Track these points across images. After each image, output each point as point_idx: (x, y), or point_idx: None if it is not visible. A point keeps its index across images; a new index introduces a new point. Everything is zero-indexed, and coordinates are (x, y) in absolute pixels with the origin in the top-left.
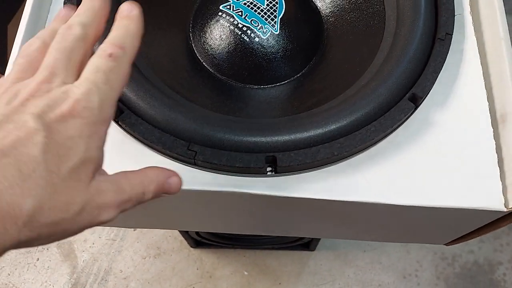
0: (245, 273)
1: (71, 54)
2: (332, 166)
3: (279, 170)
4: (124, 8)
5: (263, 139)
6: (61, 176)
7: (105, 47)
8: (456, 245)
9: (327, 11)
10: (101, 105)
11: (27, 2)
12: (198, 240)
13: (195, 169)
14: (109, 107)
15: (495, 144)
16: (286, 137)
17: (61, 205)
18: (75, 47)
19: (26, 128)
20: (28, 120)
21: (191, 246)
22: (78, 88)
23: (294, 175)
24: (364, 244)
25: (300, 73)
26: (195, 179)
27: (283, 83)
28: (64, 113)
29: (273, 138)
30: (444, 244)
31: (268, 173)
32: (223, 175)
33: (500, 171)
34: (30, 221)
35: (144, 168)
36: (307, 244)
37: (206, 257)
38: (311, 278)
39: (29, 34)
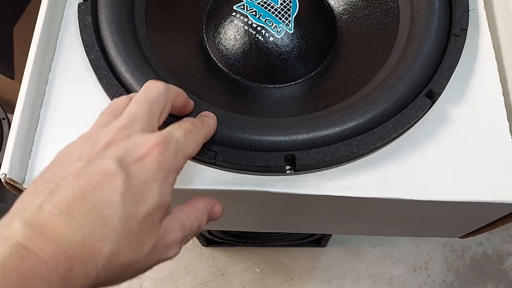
0: (257, 270)
1: (152, 105)
2: (350, 163)
3: (298, 168)
4: (205, 112)
5: (281, 138)
6: (137, 219)
7: (189, 119)
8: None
9: (340, 8)
10: (176, 153)
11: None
12: (210, 239)
13: (215, 169)
14: (182, 159)
15: None
16: (304, 136)
17: (136, 247)
18: (156, 99)
19: (106, 173)
20: (109, 165)
21: (203, 245)
22: (157, 136)
23: (313, 173)
24: (374, 238)
25: (315, 72)
26: (215, 179)
27: (298, 82)
28: (142, 155)
29: (291, 137)
30: (460, 237)
31: (287, 171)
32: (243, 175)
33: None
34: (108, 263)
35: (193, 200)
36: (318, 240)
37: (218, 255)
38: (323, 273)
39: (44, 39)
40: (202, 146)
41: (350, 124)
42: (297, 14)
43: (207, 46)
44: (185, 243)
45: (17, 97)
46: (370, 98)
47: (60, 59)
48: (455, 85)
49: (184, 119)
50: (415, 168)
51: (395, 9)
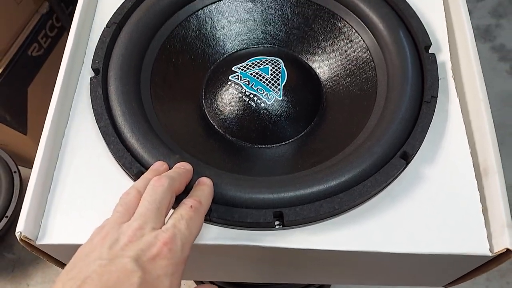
0: None
1: (159, 204)
2: (333, 219)
3: (286, 224)
4: (202, 178)
5: (270, 196)
6: None
7: (188, 201)
8: (464, 284)
9: (325, 77)
10: (182, 247)
11: (58, 77)
12: None
13: (210, 224)
14: (188, 248)
15: (479, 194)
16: (291, 194)
17: None
18: (163, 197)
19: (125, 270)
20: (127, 263)
21: None
22: (165, 233)
23: (299, 228)
24: None
25: (302, 133)
26: (210, 234)
27: (287, 142)
28: (154, 255)
29: (279, 194)
30: (443, 287)
31: (276, 227)
32: (235, 230)
33: (484, 219)
34: None
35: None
36: None
37: None
38: None
39: (59, 107)
40: None
41: (333, 183)
42: (285, 82)
43: (206, 111)
44: None
45: (32, 155)
46: (350, 158)
47: (73, 126)
48: (427, 146)
49: (183, 203)
50: (392, 223)
51: (373, 77)
